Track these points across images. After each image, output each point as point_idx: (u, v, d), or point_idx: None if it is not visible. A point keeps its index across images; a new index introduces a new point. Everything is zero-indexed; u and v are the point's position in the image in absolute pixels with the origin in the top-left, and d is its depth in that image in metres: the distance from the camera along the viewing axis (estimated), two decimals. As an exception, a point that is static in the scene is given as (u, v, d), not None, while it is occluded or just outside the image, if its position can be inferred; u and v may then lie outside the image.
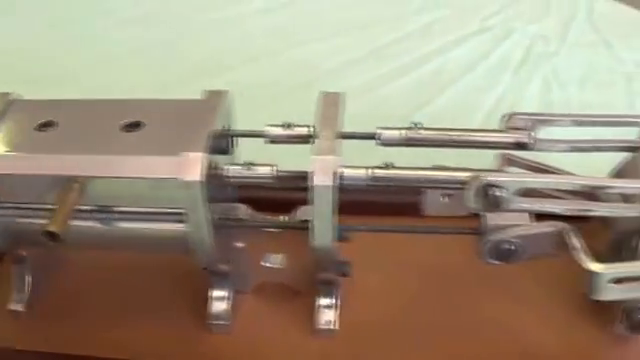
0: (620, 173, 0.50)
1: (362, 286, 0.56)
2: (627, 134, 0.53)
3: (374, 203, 0.58)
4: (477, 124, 0.72)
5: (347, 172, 0.46)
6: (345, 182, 0.46)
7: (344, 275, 0.53)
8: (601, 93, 0.84)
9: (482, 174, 0.43)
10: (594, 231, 0.50)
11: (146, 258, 0.56)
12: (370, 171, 0.46)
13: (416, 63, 0.87)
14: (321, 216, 0.45)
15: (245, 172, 0.47)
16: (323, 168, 0.44)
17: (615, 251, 0.49)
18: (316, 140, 0.45)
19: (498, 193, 0.44)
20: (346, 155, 0.46)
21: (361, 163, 0.46)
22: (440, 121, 0.66)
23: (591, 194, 0.47)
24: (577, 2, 1.01)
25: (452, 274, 0.55)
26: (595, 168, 0.50)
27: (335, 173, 0.44)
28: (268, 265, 0.54)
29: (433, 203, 0.49)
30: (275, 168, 0.47)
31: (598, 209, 0.46)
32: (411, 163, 0.47)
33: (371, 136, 0.49)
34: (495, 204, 0.44)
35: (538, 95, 0.83)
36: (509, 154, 0.52)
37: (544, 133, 0.51)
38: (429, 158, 0.49)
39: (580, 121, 0.52)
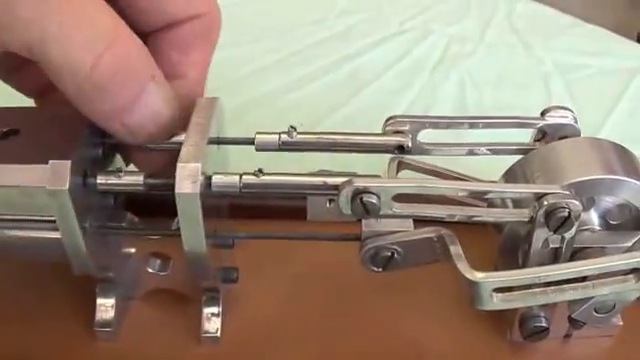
0: (511, 176, 0.47)
1: (250, 292, 0.55)
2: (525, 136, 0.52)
3: (267, 207, 0.58)
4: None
5: (216, 179, 0.44)
6: (215, 189, 0.44)
7: (230, 281, 0.52)
8: (517, 94, 0.83)
9: (355, 180, 0.41)
10: (489, 236, 0.49)
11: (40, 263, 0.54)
12: (242, 178, 0.44)
13: (333, 66, 0.85)
14: (189, 224, 0.43)
15: (113, 180, 0.45)
16: (187, 175, 0.42)
17: (508, 257, 0.48)
18: (183, 147, 0.42)
19: (371, 199, 0.41)
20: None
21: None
22: (353, 124, 0.65)
23: (484, 198, 0.46)
24: (497, 3, 1.00)
25: (344, 279, 0.54)
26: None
27: (201, 180, 0.42)
28: (153, 271, 0.53)
29: (317, 208, 0.47)
30: (143, 175, 0.44)
31: (484, 215, 0.44)
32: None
33: (250, 141, 0.46)
34: (368, 211, 0.41)
35: (453, 96, 0.82)
36: (402, 157, 0.50)
37: (443, 136, 0.50)
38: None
39: (472, 123, 0.50)
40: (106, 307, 0.52)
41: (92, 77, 0.36)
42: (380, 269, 0.45)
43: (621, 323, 0.52)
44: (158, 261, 0.53)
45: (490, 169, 0.50)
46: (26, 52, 0.37)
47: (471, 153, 0.50)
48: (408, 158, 0.51)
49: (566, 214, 0.42)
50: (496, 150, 0.50)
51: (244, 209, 0.53)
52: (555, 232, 0.43)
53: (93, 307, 0.52)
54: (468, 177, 0.52)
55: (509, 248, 0.47)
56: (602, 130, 0.80)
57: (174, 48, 0.45)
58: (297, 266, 0.56)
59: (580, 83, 0.86)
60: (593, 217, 0.48)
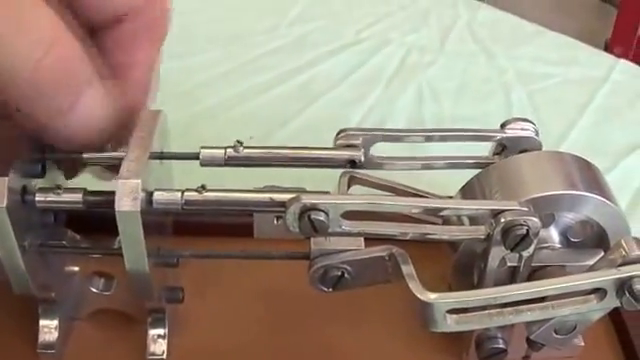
0: (468, 191, 0.47)
1: (197, 312, 0.54)
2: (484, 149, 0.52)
3: (213, 224, 0.57)
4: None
5: (158, 196, 0.44)
6: (156, 206, 0.44)
7: (176, 302, 0.51)
8: (477, 105, 0.83)
9: (303, 196, 0.40)
10: (443, 254, 0.48)
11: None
12: (183, 194, 0.43)
13: (285, 77, 0.85)
14: (130, 242, 0.43)
15: (52, 197, 0.44)
16: (127, 192, 0.42)
17: (463, 276, 0.48)
18: (123, 162, 0.41)
19: (319, 217, 0.41)
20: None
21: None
22: (305, 136, 0.64)
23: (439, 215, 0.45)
24: (458, 11, 1.00)
25: (294, 297, 0.53)
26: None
27: (142, 197, 0.42)
28: (96, 291, 0.52)
29: (264, 225, 0.47)
30: (82, 193, 0.44)
31: (438, 233, 0.44)
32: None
33: (195, 156, 0.46)
34: (316, 229, 0.41)
35: (410, 108, 0.81)
36: (353, 172, 0.49)
37: (399, 149, 0.51)
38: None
39: (427, 136, 0.50)
40: (49, 329, 0.51)
41: (32, 80, 0.37)
42: (330, 289, 0.45)
43: (583, 344, 0.51)
44: (102, 280, 0.52)
45: (449, 182, 0.50)
46: None
47: (427, 167, 0.50)
48: (360, 173, 0.51)
49: (524, 232, 0.42)
50: (454, 164, 0.50)
51: (189, 226, 0.53)
52: (512, 250, 0.43)
53: (37, 328, 0.51)
54: (423, 192, 0.52)
55: (464, 266, 0.47)
56: (565, 141, 0.80)
57: (118, 47, 0.45)
58: (245, 284, 0.56)
59: (543, 93, 0.87)
60: (553, 234, 0.48)
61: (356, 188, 0.51)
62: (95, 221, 0.45)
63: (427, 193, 0.52)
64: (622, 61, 0.96)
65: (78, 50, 0.39)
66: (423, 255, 0.45)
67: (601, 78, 0.91)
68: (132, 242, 0.43)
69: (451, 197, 0.49)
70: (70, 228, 0.50)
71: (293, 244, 0.45)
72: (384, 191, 0.51)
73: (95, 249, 0.49)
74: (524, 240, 0.42)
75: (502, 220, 0.42)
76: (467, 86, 0.86)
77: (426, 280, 0.43)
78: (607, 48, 1.75)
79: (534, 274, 0.46)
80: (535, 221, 0.42)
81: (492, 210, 0.43)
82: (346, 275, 0.45)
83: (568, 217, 0.47)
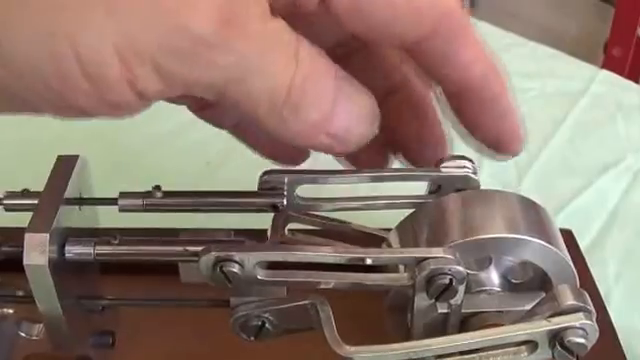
0: (401, 231, 0.47)
1: (130, 357, 0.54)
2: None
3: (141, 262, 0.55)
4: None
5: (69, 247, 0.44)
6: (68, 257, 0.44)
7: (105, 347, 0.51)
8: (445, 122, 0.82)
9: (214, 248, 0.40)
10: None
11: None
12: (95, 247, 0.44)
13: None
14: (42, 294, 0.43)
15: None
16: (35, 246, 0.42)
17: (398, 318, 0.47)
18: (34, 212, 0.41)
19: (233, 268, 0.41)
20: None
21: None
22: (265, 162, 0.63)
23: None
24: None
25: (227, 338, 0.51)
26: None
27: (52, 249, 0.42)
28: (25, 335, 0.51)
29: (188, 271, 0.47)
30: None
31: (362, 280, 0.44)
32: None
33: (114, 202, 0.46)
34: (230, 280, 0.41)
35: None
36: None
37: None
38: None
39: (358, 177, 0.49)
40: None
41: (288, 101, 0.37)
42: (252, 338, 0.45)
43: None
44: (32, 325, 0.52)
45: (390, 214, 0.50)
46: (212, 93, 0.37)
47: (359, 209, 0.50)
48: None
49: (447, 281, 0.42)
50: (389, 204, 0.50)
51: (117, 265, 0.52)
52: (437, 300, 0.42)
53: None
54: (361, 228, 0.51)
55: (398, 308, 0.46)
56: (537, 161, 0.80)
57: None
58: (178, 326, 0.56)
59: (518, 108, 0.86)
60: (492, 276, 0.47)
61: (292, 225, 0.50)
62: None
63: (365, 228, 0.51)
64: (603, 71, 0.95)
65: (317, 50, 0.39)
66: (358, 295, 0.45)
67: (580, 90, 0.90)
68: (44, 294, 0.43)
69: (385, 232, 0.48)
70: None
71: (216, 290, 0.45)
72: (319, 227, 0.50)
73: (8, 296, 0.49)
74: (448, 290, 0.42)
75: (424, 269, 0.42)
76: (435, 101, 0.84)
77: (361, 321, 0.45)
78: (606, 49, 1.74)
79: (469, 320, 0.45)
80: (460, 270, 0.42)
81: (416, 257, 0.42)
82: (267, 325, 0.45)
83: (508, 259, 0.46)
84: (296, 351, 0.51)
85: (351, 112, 0.39)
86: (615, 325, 0.59)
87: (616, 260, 0.71)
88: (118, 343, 0.52)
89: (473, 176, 0.49)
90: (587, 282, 0.61)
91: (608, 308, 0.61)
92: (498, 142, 0.47)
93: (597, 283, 0.62)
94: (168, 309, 0.54)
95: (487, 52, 0.43)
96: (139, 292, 0.51)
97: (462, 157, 0.49)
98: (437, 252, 0.43)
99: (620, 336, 0.58)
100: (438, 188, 0.49)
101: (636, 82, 0.99)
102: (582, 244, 0.68)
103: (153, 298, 0.49)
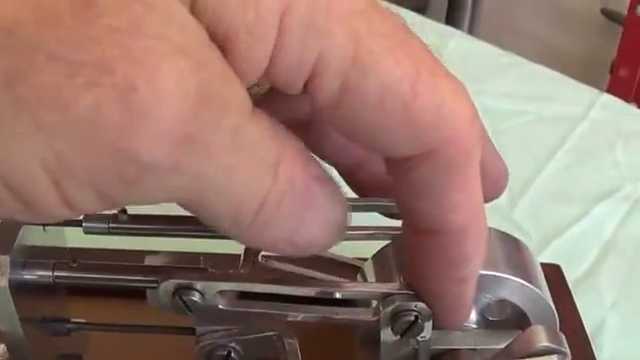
0: (378, 260, 0.48)
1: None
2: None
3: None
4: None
5: (29, 268, 0.44)
6: (30, 280, 0.44)
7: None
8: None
9: (174, 275, 0.40)
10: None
11: None
12: (54, 269, 0.44)
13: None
14: (2, 316, 0.43)
15: None
16: None
17: (369, 350, 0.46)
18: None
19: (192, 297, 0.41)
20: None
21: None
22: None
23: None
24: (427, 39, 0.98)
25: None
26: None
27: (13, 271, 0.42)
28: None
29: (156, 296, 0.46)
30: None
31: (328, 314, 0.44)
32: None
33: (79, 224, 0.46)
34: (189, 308, 0.41)
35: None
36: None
37: None
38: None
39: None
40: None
41: (255, 221, 0.32)
42: (217, 367, 0.44)
43: None
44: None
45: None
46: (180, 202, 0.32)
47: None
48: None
49: (412, 318, 0.41)
50: (369, 235, 0.49)
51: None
52: (402, 336, 0.42)
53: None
54: (335, 257, 0.51)
55: (368, 341, 0.46)
56: (531, 187, 0.79)
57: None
58: (145, 351, 0.56)
59: (512, 132, 0.86)
60: (469, 313, 0.47)
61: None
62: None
63: (340, 257, 0.51)
64: (605, 95, 0.95)
65: (304, 158, 0.34)
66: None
67: (579, 115, 0.90)
68: (4, 315, 0.43)
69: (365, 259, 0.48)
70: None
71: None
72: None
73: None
74: (413, 326, 0.42)
75: (389, 304, 0.42)
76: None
77: (334, 355, 0.46)
78: (613, 70, 1.73)
79: (440, 357, 0.45)
80: (425, 307, 0.41)
81: (382, 293, 0.42)
82: (233, 354, 0.44)
83: (486, 296, 0.46)
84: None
85: (320, 224, 0.35)
86: (607, 355, 0.58)
87: (611, 290, 0.70)
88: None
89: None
90: (573, 319, 0.61)
91: (601, 337, 0.60)
92: (442, 307, 0.42)
93: (591, 311, 0.62)
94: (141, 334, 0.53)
95: (479, 195, 0.36)
96: (108, 315, 0.50)
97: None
98: (403, 288, 0.42)
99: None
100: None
101: (644, 104, 0.99)
102: (576, 273, 0.68)
103: (118, 324, 0.49)
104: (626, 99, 1.22)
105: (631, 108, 0.96)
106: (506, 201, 0.78)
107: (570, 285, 0.65)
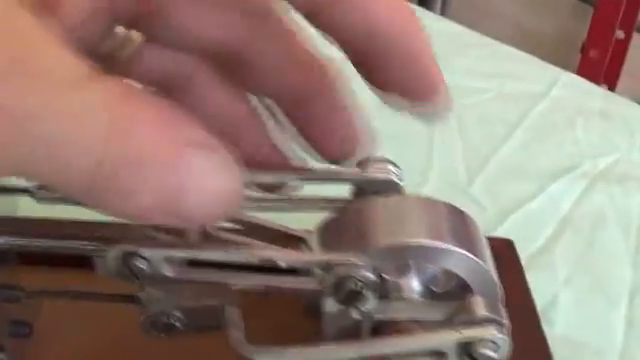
0: (323, 230, 0.48)
1: (47, 348, 0.55)
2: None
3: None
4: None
5: None
6: None
7: (21, 337, 0.51)
8: (399, 122, 0.81)
9: (120, 241, 0.40)
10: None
11: None
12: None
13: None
14: None
15: None
16: None
17: (314, 319, 0.47)
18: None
19: (138, 264, 0.41)
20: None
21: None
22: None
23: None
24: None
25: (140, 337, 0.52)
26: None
27: None
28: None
29: (104, 264, 0.47)
30: None
31: (271, 282, 0.44)
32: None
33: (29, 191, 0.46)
34: (137, 276, 0.41)
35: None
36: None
37: None
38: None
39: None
40: None
41: (97, 179, 0.30)
42: (162, 335, 0.45)
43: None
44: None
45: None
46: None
47: (285, 209, 0.50)
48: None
49: (356, 287, 0.42)
50: (310, 206, 0.50)
51: (34, 255, 0.51)
52: (346, 305, 0.43)
53: None
54: (282, 228, 0.51)
55: (312, 311, 0.46)
56: (489, 164, 0.80)
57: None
58: (98, 319, 0.56)
59: (473, 109, 0.87)
60: (413, 284, 0.47)
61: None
62: None
63: (287, 228, 0.51)
64: (567, 74, 0.96)
65: (155, 107, 0.31)
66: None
67: (540, 93, 0.91)
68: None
69: (308, 232, 0.48)
70: None
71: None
72: (240, 225, 0.51)
73: None
74: (357, 296, 0.42)
75: (333, 274, 0.42)
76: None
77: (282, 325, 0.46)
78: (583, 50, 1.74)
79: (381, 327, 0.45)
80: (369, 276, 0.42)
81: (326, 262, 0.42)
82: (177, 323, 0.45)
83: (430, 267, 0.46)
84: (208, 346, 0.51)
85: (199, 193, 0.32)
86: (559, 330, 0.59)
87: (566, 266, 0.71)
88: (36, 334, 0.52)
89: (398, 181, 0.49)
90: (522, 293, 0.62)
91: (554, 312, 0.61)
92: (417, 99, 0.42)
93: (544, 287, 0.63)
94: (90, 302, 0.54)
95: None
96: (60, 283, 0.50)
97: (385, 160, 0.49)
98: (347, 257, 0.43)
99: (563, 343, 0.58)
100: (361, 191, 0.49)
101: (613, 86, 1.00)
102: (531, 249, 0.69)
103: (69, 290, 0.50)
104: (596, 81, 1.23)
105: (593, 87, 0.97)
106: (464, 176, 0.79)
107: (525, 260, 0.66)
